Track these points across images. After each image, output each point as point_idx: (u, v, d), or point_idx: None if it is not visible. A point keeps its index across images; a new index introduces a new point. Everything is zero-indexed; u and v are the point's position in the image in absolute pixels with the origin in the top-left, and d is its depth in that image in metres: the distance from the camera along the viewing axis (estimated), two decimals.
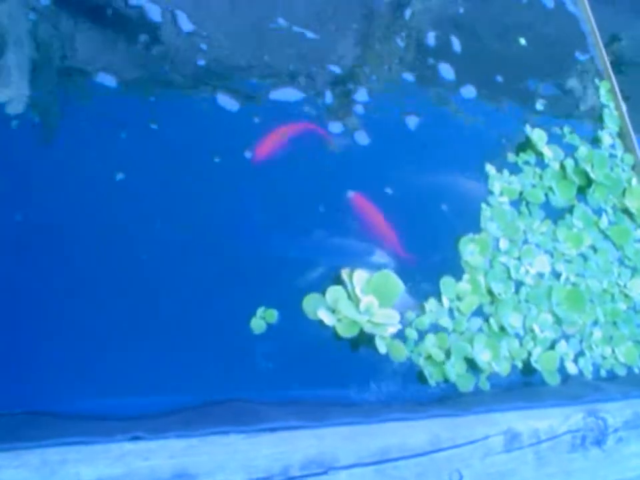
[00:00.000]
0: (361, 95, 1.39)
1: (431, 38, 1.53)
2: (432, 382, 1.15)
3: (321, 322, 1.12)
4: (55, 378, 0.99)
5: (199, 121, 1.25)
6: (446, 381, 1.16)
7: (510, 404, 1.16)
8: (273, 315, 1.11)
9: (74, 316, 1.03)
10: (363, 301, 1.12)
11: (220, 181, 1.21)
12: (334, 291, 1.14)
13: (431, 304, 1.21)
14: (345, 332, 1.13)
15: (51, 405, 0.98)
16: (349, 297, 1.14)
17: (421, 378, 1.16)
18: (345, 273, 1.15)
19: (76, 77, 1.21)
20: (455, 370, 1.17)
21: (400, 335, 1.16)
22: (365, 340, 1.14)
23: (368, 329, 1.13)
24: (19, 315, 1.01)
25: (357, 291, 1.13)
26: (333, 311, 1.13)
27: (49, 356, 1.00)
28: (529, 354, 1.25)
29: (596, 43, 1.70)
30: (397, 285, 1.16)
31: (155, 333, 1.06)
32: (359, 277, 1.15)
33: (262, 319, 1.10)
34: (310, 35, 1.42)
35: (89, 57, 1.24)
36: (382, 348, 1.14)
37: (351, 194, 1.27)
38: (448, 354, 1.18)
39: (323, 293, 1.14)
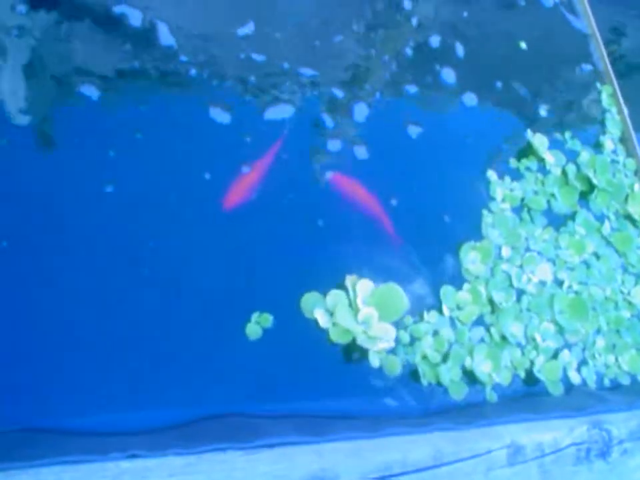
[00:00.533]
0: (360, 104, 1.37)
1: (431, 45, 1.51)
2: (424, 381, 1.14)
3: (316, 322, 1.10)
4: (49, 394, 0.98)
5: (191, 134, 1.22)
6: (439, 384, 1.14)
7: (513, 416, 1.14)
8: (267, 319, 1.09)
9: (67, 331, 1.01)
10: (362, 311, 1.10)
11: (211, 193, 1.18)
12: (335, 295, 1.12)
13: (429, 312, 1.19)
14: (338, 338, 1.10)
15: (45, 422, 0.96)
16: (350, 304, 1.12)
17: (415, 378, 1.14)
18: (349, 280, 1.13)
19: (63, 87, 1.19)
20: (450, 375, 1.15)
21: (393, 351, 1.13)
22: (357, 349, 1.12)
23: (361, 340, 1.10)
24: (11, 331, 0.99)
25: (359, 300, 1.11)
26: (331, 314, 1.11)
27: (42, 371, 0.98)
28: (532, 363, 1.23)
29: (597, 46, 1.68)
30: (402, 301, 1.13)
31: (149, 346, 1.04)
32: (362, 286, 1.12)
33: (257, 324, 1.08)
34: (307, 44, 1.40)
35: (77, 67, 1.21)
36: (375, 362, 1.11)
37: (330, 175, 1.25)
38: (445, 358, 1.16)
39: (325, 294, 1.12)
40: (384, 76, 1.43)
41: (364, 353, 1.12)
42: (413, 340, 1.16)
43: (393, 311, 1.12)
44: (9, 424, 0.94)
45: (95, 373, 1.00)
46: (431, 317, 1.19)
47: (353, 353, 1.12)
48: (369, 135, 1.34)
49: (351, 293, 1.12)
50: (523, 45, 1.59)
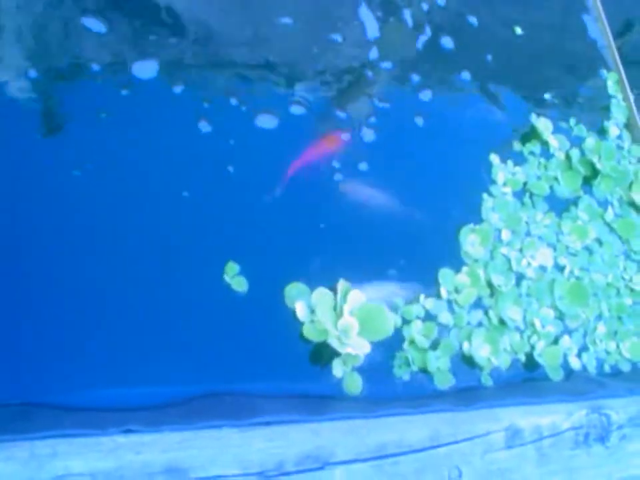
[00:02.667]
0: (367, 88, 1.36)
1: (433, 29, 1.49)
2: (414, 367, 1.12)
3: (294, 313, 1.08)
4: (47, 369, 0.98)
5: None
6: (424, 370, 1.13)
7: (512, 399, 1.14)
8: (242, 283, 1.08)
9: (64, 307, 1.01)
10: (345, 318, 1.07)
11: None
12: (321, 294, 1.10)
13: (424, 295, 1.18)
14: (311, 335, 1.08)
15: (42, 397, 0.96)
16: (335, 307, 1.09)
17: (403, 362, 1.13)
18: (341, 285, 1.10)
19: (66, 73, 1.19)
20: (438, 363, 1.14)
21: (360, 368, 1.09)
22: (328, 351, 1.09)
23: (333, 342, 1.06)
24: (8, 306, 0.99)
25: (346, 308, 1.08)
26: (312, 311, 1.08)
27: (40, 346, 0.98)
28: (532, 348, 1.23)
29: (604, 32, 1.66)
30: (387, 325, 1.10)
31: (147, 323, 1.04)
32: (354, 297, 1.10)
33: (234, 279, 1.08)
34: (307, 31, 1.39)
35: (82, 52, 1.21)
36: (338, 373, 1.08)
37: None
38: (435, 345, 1.15)
39: (312, 288, 1.10)
40: (385, 60, 1.42)
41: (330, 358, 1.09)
42: (405, 322, 1.15)
43: (374, 332, 1.09)
44: (7, 398, 0.94)
45: (92, 348, 1.00)
46: (427, 302, 1.18)
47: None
48: (370, 119, 1.33)
49: (339, 298, 1.10)
50: (519, 31, 1.56)
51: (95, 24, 1.23)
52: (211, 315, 1.07)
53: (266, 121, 1.26)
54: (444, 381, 1.14)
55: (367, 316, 1.09)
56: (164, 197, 1.13)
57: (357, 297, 1.10)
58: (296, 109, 1.29)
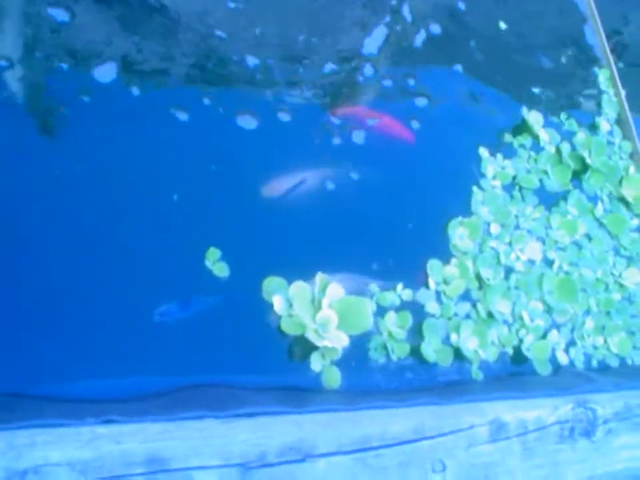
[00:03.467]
0: (357, 84, 1.35)
1: (425, 21, 1.48)
2: (394, 357, 1.11)
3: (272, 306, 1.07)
4: (27, 359, 0.96)
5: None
6: (412, 354, 1.12)
7: (498, 393, 1.13)
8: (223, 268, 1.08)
9: (45, 297, 1.00)
10: (323, 311, 1.05)
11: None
12: (299, 287, 1.08)
13: (402, 285, 1.17)
14: (289, 329, 1.07)
15: (22, 387, 0.95)
16: (312, 300, 1.08)
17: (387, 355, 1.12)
18: (319, 278, 1.08)
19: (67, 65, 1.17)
20: (432, 347, 1.13)
21: (339, 362, 1.08)
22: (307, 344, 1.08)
23: (311, 336, 1.05)
24: None
25: (324, 301, 1.06)
26: (290, 305, 1.07)
27: (21, 337, 0.97)
28: (520, 341, 1.22)
29: (596, 29, 1.66)
30: (367, 319, 1.08)
31: (129, 313, 1.03)
32: (332, 290, 1.08)
33: (215, 265, 1.07)
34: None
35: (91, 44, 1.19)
36: (316, 366, 1.07)
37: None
38: (421, 334, 1.14)
39: (290, 281, 1.09)
40: (375, 56, 1.41)
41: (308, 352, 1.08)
42: (381, 311, 1.14)
43: (353, 325, 1.08)
44: None
45: (76, 340, 0.99)
46: (407, 292, 1.17)
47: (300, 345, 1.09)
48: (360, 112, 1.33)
49: (316, 291, 1.08)
50: (503, 26, 1.55)
51: (60, 14, 1.20)
52: (192, 304, 1.06)
53: (248, 122, 1.24)
54: (446, 358, 1.14)
55: (347, 309, 1.07)
56: (149, 189, 1.12)
57: (335, 290, 1.08)
58: (282, 114, 1.27)
